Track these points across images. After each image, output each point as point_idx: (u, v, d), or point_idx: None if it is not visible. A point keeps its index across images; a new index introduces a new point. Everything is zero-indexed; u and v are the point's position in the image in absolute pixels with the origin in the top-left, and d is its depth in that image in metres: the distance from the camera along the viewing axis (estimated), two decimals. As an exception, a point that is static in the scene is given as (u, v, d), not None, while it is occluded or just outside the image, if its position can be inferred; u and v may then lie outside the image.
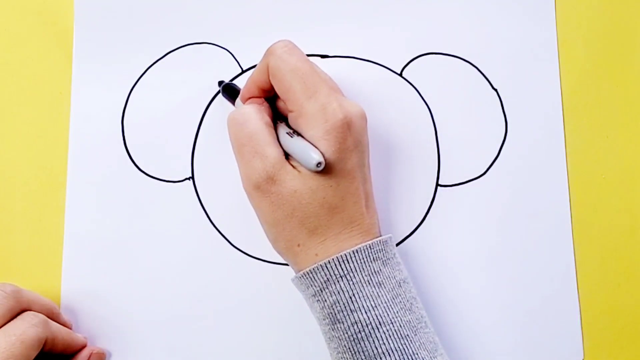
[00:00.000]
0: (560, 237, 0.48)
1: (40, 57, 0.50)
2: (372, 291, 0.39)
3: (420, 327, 0.40)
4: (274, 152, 0.41)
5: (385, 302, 0.39)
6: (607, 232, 0.48)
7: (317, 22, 0.50)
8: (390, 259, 0.41)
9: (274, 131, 0.42)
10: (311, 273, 0.40)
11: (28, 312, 0.43)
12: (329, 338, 0.41)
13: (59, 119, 0.50)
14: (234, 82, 0.49)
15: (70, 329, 0.46)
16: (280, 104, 0.44)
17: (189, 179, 0.49)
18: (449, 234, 0.48)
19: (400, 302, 0.40)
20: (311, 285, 0.40)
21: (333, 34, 0.50)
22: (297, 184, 0.40)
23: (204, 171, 0.49)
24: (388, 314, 0.39)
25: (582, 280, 0.47)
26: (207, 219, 0.49)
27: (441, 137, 0.49)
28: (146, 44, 0.50)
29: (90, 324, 0.48)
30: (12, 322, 0.41)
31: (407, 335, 0.39)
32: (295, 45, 0.42)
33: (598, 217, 0.48)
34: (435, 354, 0.40)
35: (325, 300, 0.40)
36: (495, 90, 0.49)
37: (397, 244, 0.48)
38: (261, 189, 0.41)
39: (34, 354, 0.41)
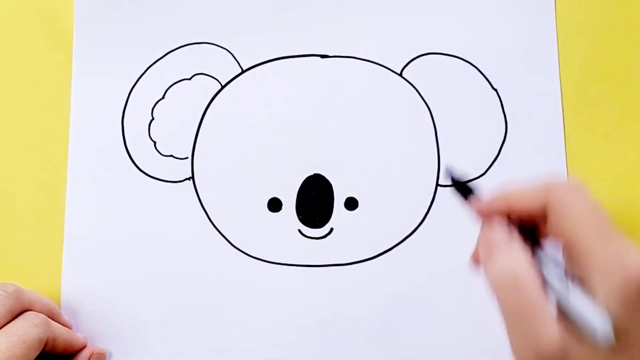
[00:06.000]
0: (560, 237, 0.48)
1: (40, 57, 0.50)
2: None
3: None
4: (554, 333, 0.31)
5: None
6: (607, 232, 0.48)
7: (317, 22, 0.50)
8: None
9: (545, 294, 0.33)
10: None
11: (29, 312, 0.43)
12: None
13: (59, 119, 0.50)
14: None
15: (71, 329, 0.46)
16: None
17: (189, 179, 0.49)
18: (449, 234, 0.48)
19: None
20: None
21: (333, 34, 0.50)
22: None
23: (204, 171, 0.49)
24: None
25: (582, 280, 0.47)
26: (207, 219, 0.49)
27: (441, 137, 0.49)
28: (146, 44, 0.50)
29: (90, 324, 0.48)
30: (13, 322, 0.41)
31: None
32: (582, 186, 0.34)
33: (598, 217, 0.48)
34: None
35: None
36: (495, 90, 0.49)
37: (397, 244, 0.48)
38: None
39: (35, 354, 0.41)
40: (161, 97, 0.50)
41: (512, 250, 0.34)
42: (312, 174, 0.49)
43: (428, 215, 0.48)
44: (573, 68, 0.49)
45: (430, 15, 0.50)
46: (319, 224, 0.48)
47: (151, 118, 0.50)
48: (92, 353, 0.46)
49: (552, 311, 0.32)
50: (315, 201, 0.48)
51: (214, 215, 0.49)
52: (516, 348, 0.34)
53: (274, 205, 0.48)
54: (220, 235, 0.48)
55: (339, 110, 0.49)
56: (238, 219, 0.48)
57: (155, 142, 0.49)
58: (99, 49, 0.50)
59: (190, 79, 0.50)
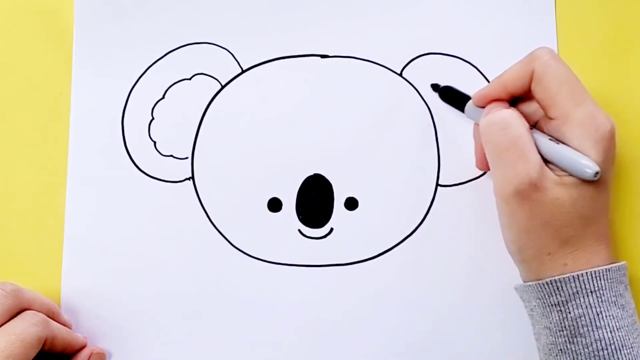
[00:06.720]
0: (561, 237, 0.48)
1: (40, 57, 0.50)
2: (617, 312, 0.39)
3: None
4: (537, 158, 0.40)
5: (627, 326, 0.39)
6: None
7: (317, 21, 0.50)
8: (628, 285, 0.41)
9: (532, 137, 0.41)
10: (559, 282, 0.39)
11: (28, 311, 0.43)
12: (560, 350, 0.40)
13: (59, 119, 0.50)
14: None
15: (71, 328, 0.46)
16: (527, 110, 0.43)
17: (189, 179, 0.49)
18: (449, 234, 0.48)
19: (637, 329, 0.40)
20: (555, 295, 0.40)
21: (333, 34, 0.50)
22: (560, 191, 0.39)
23: (204, 171, 0.49)
24: (629, 338, 0.39)
25: (582, 280, 0.47)
26: (207, 219, 0.49)
27: (441, 137, 0.49)
28: (146, 44, 0.50)
29: (90, 324, 0.48)
30: (12, 321, 0.41)
31: None
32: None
33: (598, 217, 0.48)
34: None
35: (570, 312, 0.39)
36: (495, 90, 0.49)
37: (397, 244, 0.48)
38: (521, 195, 0.39)
39: (34, 353, 0.41)
40: (161, 97, 0.50)
41: (505, 109, 0.42)
42: (312, 174, 0.49)
43: (428, 215, 0.48)
44: (573, 68, 0.49)
45: (430, 15, 0.50)
46: (319, 224, 0.48)
47: (151, 118, 0.50)
48: (92, 353, 0.46)
49: (534, 148, 0.40)
50: (315, 201, 0.48)
51: (214, 215, 0.49)
52: (499, 182, 0.41)
53: (274, 205, 0.48)
54: (220, 235, 0.48)
55: (339, 110, 0.49)
56: (238, 219, 0.48)
57: (155, 142, 0.49)
58: (99, 49, 0.50)
59: (190, 79, 0.50)
